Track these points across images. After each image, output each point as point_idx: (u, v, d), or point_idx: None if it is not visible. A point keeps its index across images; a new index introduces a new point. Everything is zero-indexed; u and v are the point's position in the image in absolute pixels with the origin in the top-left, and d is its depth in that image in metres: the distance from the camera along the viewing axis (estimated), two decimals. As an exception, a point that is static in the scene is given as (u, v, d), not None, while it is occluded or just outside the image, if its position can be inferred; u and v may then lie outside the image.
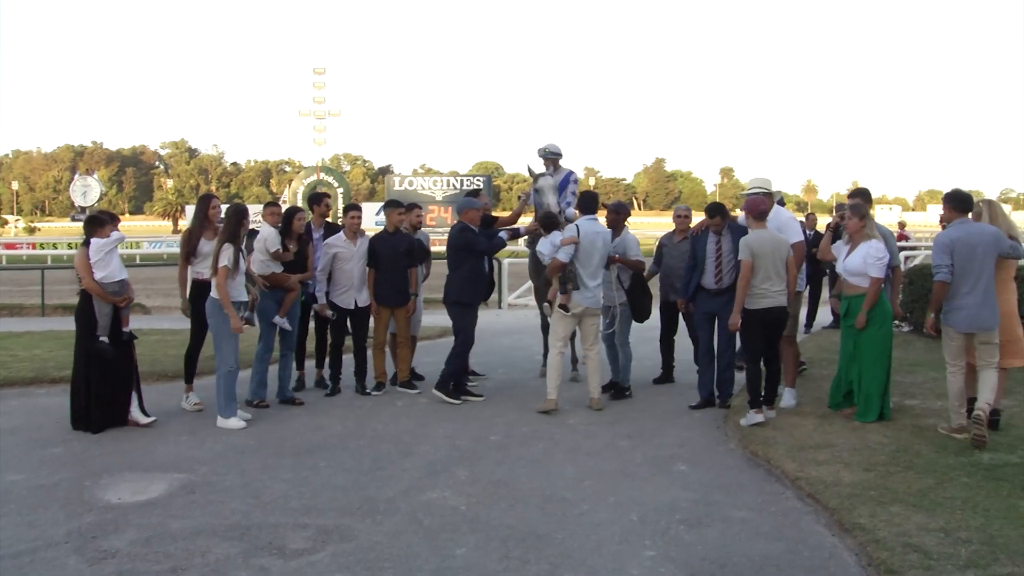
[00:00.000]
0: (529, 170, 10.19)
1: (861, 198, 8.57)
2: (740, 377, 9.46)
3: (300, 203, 34.48)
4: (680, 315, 9.58)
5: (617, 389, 9.36)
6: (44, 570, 4.90)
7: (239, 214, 8.25)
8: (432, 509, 5.86)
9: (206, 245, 8.48)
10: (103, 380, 7.91)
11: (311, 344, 10.08)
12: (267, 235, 8.98)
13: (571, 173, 10.45)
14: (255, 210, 16.53)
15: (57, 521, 5.64)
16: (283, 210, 9.51)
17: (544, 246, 8.95)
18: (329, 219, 10.31)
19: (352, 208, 9.81)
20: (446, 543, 5.26)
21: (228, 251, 7.98)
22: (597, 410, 8.71)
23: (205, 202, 8.80)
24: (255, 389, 9.06)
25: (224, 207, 8.81)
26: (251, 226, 8.55)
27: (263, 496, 6.13)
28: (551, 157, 10.29)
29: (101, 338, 7.85)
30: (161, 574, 4.82)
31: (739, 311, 8.03)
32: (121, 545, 5.23)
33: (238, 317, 8.05)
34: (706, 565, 4.94)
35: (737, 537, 5.35)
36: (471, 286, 9.28)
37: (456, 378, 9.27)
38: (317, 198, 10.16)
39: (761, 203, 8.15)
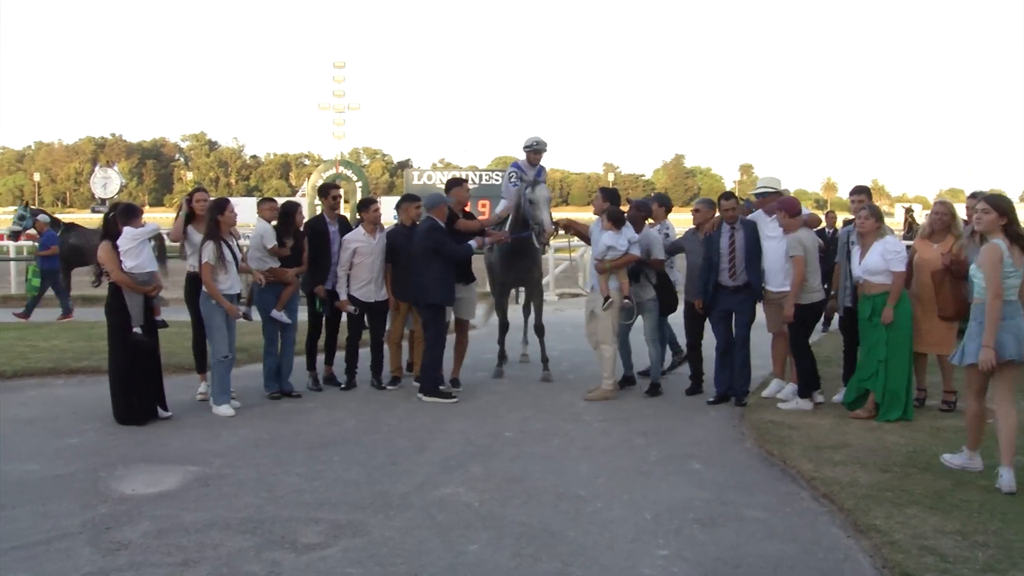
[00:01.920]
0: (521, 178, 9.97)
1: (865, 195, 8.55)
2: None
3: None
4: (706, 317, 9.21)
5: (651, 386, 9.32)
6: (58, 560, 4.92)
7: (217, 208, 8.39)
8: (445, 505, 5.85)
9: (194, 236, 8.61)
10: (143, 371, 7.99)
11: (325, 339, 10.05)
12: (262, 231, 9.02)
13: (543, 169, 10.35)
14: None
15: (72, 512, 5.67)
16: (283, 204, 9.48)
17: (619, 241, 8.90)
18: (342, 213, 10.20)
19: (371, 202, 9.78)
20: (458, 539, 5.25)
21: (209, 247, 8.17)
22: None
23: (191, 198, 8.93)
24: (267, 382, 9.13)
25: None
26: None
27: (276, 490, 6.14)
28: (540, 151, 10.24)
29: (135, 329, 7.90)
30: (173, 567, 4.83)
31: (792, 304, 8.19)
32: (134, 537, 5.25)
33: (230, 305, 8.28)
34: (720, 565, 4.90)
35: (751, 537, 5.31)
36: (443, 287, 9.09)
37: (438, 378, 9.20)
38: (324, 190, 10.04)
39: (797, 203, 8.43)
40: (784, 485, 6.32)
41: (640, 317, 9.41)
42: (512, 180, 10.28)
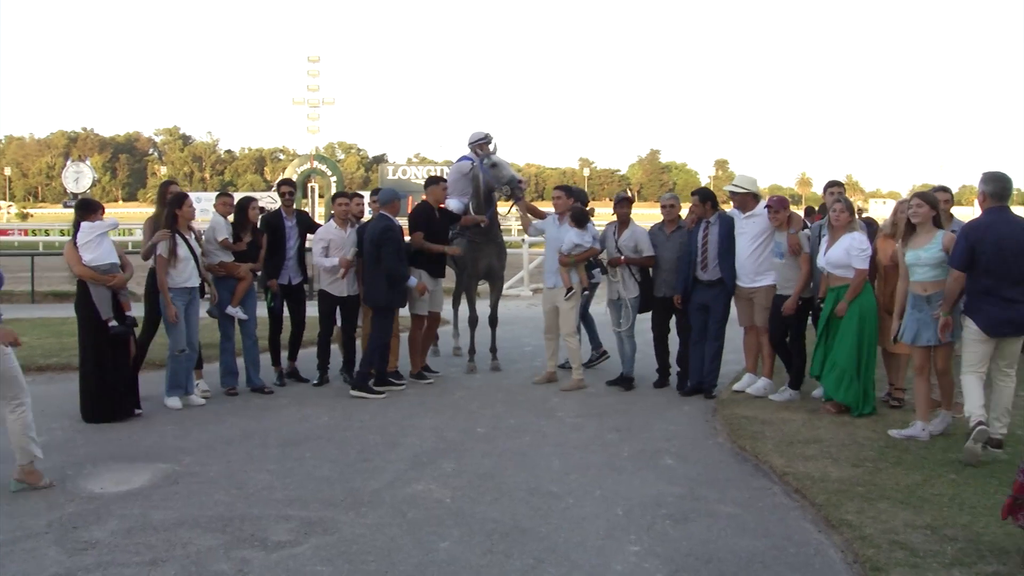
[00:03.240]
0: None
1: (840, 189, 8.61)
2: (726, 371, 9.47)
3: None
4: (673, 311, 9.26)
5: (626, 380, 9.39)
6: (23, 561, 4.85)
7: (175, 202, 8.40)
8: (417, 502, 5.82)
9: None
10: (115, 367, 7.93)
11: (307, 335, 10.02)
12: (215, 224, 8.98)
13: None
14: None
15: (38, 511, 5.59)
16: (239, 200, 9.35)
17: (584, 238, 9.20)
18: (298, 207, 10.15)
19: (340, 195, 9.73)
20: (429, 536, 5.22)
21: (164, 240, 8.19)
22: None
23: (164, 189, 8.79)
24: (223, 378, 9.10)
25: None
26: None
27: (247, 487, 6.09)
28: (488, 143, 10.34)
29: (111, 323, 7.82)
30: (141, 566, 4.77)
31: (796, 299, 8.30)
32: (102, 536, 5.19)
33: (173, 306, 8.26)
34: (690, 561, 4.90)
35: (723, 533, 5.31)
36: (392, 289, 9.05)
37: (371, 376, 9.13)
38: (277, 185, 10.03)
39: (788, 201, 8.75)
40: (756, 480, 6.33)
41: (621, 314, 9.45)
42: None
